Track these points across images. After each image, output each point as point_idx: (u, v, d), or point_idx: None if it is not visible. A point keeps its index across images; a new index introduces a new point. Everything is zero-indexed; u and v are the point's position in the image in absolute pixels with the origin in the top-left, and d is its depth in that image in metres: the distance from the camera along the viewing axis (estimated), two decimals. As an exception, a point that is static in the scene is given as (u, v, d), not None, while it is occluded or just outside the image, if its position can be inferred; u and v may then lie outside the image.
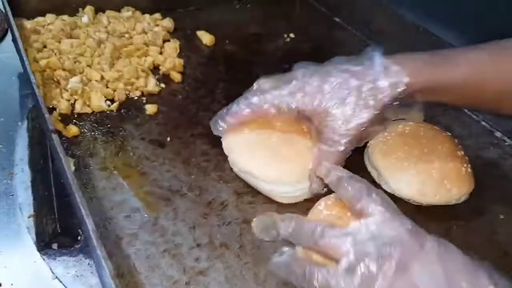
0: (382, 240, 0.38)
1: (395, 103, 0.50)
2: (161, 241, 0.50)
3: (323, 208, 0.47)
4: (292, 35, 0.92)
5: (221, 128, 0.56)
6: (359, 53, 0.79)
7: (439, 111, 0.72)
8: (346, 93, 0.49)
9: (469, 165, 0.60)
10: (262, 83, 0.57)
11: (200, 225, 0.52)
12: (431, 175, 0.57)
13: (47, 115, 0.49)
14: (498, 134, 0.73)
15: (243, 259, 0.49)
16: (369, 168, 0.61)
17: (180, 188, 0.56)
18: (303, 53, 0.87)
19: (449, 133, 0.64)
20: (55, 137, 0.46)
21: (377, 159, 0.60)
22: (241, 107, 0.54)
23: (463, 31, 0.84)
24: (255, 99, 0.53)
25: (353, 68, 0.51)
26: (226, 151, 0.58)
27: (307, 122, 0.55)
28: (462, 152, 0.61)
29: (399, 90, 0.49)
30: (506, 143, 0.71)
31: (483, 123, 0.75)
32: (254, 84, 0.58)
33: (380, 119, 0.53)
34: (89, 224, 0.39)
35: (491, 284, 0.36)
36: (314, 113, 0.51)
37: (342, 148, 0.50)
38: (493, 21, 0.83)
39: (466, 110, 0.77)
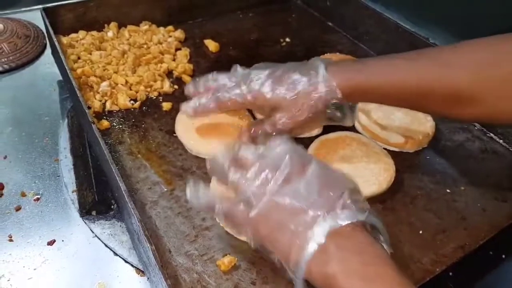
0: (279, 159, 0.46)
1: (331, 107, 0.56)
2: (176, 206, 0.60)
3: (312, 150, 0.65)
4: (288, 39, 1.00)
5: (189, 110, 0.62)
6: (347, 52, 0.91)
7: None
8: (294, 95, 0.56)
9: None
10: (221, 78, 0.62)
11: (206, 194, 0.63)
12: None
13: (87, 110, 0.60)
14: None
15: (240, 219, 0.61)
16: None
17: (190, 167, 0.66)
18: (297, 55, 0.95)
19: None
20: (94, 126, 0.59)
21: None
22: (208, 103, 0.60)
23: (435, 28, 0.95)
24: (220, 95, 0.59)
25: (301, 77, 0.56)
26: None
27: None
28: None
29: (333, 97, 0.55)
30: (476, 128, 0.80)
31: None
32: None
33: (316, 120, 0.58)
34: (122, 185, 0.51)
35: (346, 196, 0.43)
36: (268, 105, 0.57)
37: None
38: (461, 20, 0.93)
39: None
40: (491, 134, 0.78)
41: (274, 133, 0.57)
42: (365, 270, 0.40)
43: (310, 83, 0.56)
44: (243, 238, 0.55)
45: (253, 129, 0.59)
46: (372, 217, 0.44)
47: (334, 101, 0.55)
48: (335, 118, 0.58)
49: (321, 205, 0.43)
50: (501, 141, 0.77)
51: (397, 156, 0.69)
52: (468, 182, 0.69)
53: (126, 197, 0.50)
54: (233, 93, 0.58)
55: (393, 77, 0.54)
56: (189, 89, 0.65)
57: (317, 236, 0.41)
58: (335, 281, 0.40)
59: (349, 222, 0.42)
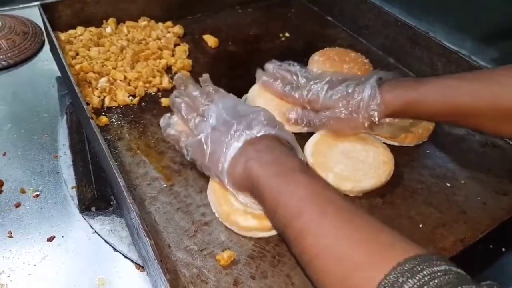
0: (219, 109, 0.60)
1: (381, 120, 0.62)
2: (175, 202, 0.60)
3: (312, 144, 0.67)
4: (287, 34, 0.99)
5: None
6: (347, 46, 0.90)
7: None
8: (338, 97, 0.64)
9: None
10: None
11: (205, 189, 0.62)
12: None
13: (85, 106, 0.60)
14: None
15: (240, 214, 0.60)
16: None
17: (189, 163, 0.65)
18: (297, 50, 0.95)
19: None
20: (92, 122, 0.58)
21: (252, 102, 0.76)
22: (278, 90, 0.71)
23: (435, 22, 0.94)
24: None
25: (350, 83, 0.64)
26: None
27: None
28: None
29: (380, 115, 0.61)
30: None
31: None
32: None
33: (356, 123, 0.64)
34: (121, 181, 0.51)
35: (261, 117, 0.56)
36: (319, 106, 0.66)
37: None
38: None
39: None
40: (491, 128, 0.77)
41: (317, 123, 0.67)
42: (274, 159, 0.52)
43: (355, 89, 0.63)
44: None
45: (300, 115, 0.69)
46: (281, 132, 0.57)
47: (374, 109, 0.61)
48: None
49: (242, 123, 0.55)
50: (500, 134, 0.76)
51: (397, 150, 0.69)
52: (468, 175, 0.69)
53: (125, 192, 0.50)
54: (297, 94, 0.68)
55: (446, 95, 0.59)
56: (269, 68, 0.76)
57: (238, 142, 0.54)
58: (252, 172, 0.51)
59: (262, 133, 0.54)
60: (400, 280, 0.36)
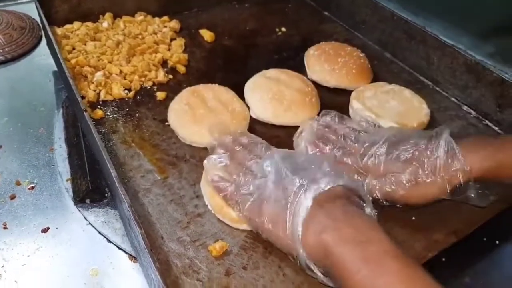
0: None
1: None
2: (169, 194, 0.61)
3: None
4: (284, 29, 1.00)
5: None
6: (343, 41, 0.90)
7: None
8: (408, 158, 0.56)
9: (313, 98, 0.76)
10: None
11: (199, 182, 0.62)
12: (282, 103, 0.73)
13: (79, 99, 0.61)
14: (464, 107, 0.82)
15: (233, 206, 0.61)
16: None
17: (184, 155, 0.66)
18: (293, 45, 0.95)
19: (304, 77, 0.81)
20: (86, 114, 0.59)
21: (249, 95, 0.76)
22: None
23: (432, 17, 0.94)
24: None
25: (425, 153, 0.55)
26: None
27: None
28: (310, 89, 0.77)
29: (462, 180, 0.54)
30: (471, 115, 0.80)
31: (452, 98, 0.84)
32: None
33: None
34: (113, 172, 0.51)
35: (325, 166, 0.50)
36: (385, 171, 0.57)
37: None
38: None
39: (437, 88, 0.87)
40: (487, 121, 0.78)
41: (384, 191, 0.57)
42: (357, 235, 0.44)
43: (428, 146, 0.55)
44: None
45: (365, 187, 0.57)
46: (350, 181, 0.50)
47: (456, 169, 0.54)
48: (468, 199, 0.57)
49: (305, 176, 0.48)
50: (496, 128, 0.77)
51: (390, 143, 0.69)
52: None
53: (116, 183, 0.50)
54: (350, 160, 0.59)
55: None
56: (313, 126, 0.64)
57: (305, 200, 0.46)
58: (331, 249, 0.43)
59: (330, 186, 0.47)
60: None
